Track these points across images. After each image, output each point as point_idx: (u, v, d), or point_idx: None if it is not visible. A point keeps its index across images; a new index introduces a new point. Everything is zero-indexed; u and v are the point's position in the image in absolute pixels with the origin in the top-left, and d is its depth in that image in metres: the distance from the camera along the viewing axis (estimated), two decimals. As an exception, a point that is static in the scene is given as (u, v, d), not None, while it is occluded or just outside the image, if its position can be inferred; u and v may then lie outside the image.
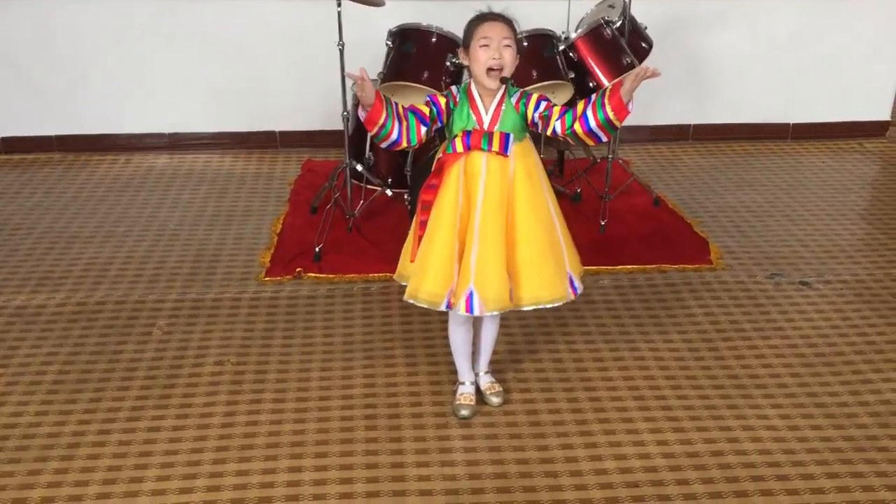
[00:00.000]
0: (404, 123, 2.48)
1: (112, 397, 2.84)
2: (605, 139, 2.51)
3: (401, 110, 2.48)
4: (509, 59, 2.44)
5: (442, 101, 2.52)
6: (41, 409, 2.77)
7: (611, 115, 2.42)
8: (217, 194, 4.51)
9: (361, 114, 2.46)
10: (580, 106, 2.46)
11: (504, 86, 2.48)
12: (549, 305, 2.62)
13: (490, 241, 2.52)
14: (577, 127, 2.45)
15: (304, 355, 3.08)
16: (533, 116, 2.50)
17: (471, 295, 2.52)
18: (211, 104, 5.06)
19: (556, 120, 2.47)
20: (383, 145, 2.53)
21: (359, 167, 4.06)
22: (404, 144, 2.51)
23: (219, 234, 4.05)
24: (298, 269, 3.65)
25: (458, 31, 2.60)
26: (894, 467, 2.54)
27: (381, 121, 2.45)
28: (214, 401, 2.82)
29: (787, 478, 2.50)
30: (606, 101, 2.42)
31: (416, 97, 3.68)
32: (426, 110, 2.51)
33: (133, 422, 2.72)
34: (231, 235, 4.03)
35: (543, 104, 2.50)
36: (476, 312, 2.55)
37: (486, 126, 2.49)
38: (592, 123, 2.45)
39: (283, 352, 3.10)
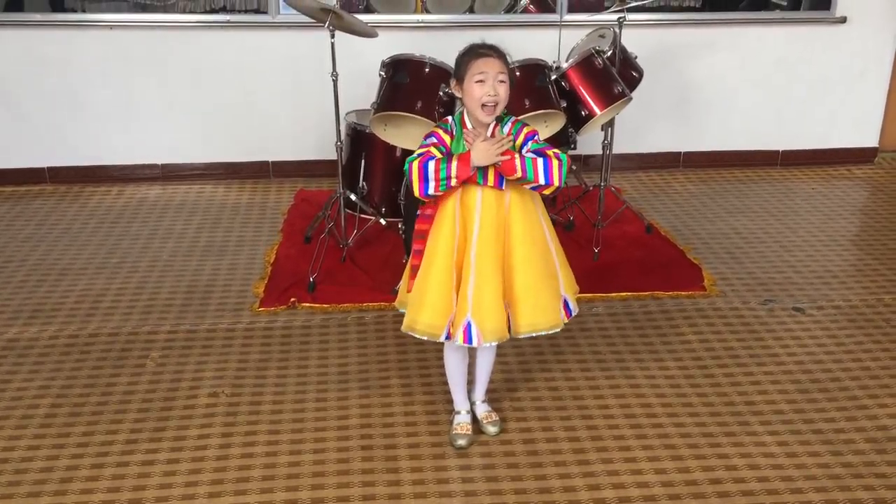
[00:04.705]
0: None
1: (105, 430, 2.81)
2: (542, 183, 2.46)
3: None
4: (504, 95, 2.45)
5: (446, 137, 2.52)
6: (33, 443, 2.74)
7: (508, 177, 2.46)
8: (210, 225, 4.50)
9: (463, 169, 2.42)
10: None
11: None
12: (545, 332, 2.62)
13: (487, 272, 2.52)
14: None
15: (299, 386, 3.06)
16: (520, 150, 2.50)
17: (468, 326, 2.53)
18: (203, 134, 5.07)
19: None
20: (439, 191, 2.46)
21: (352, 196, 4.07)
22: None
23: (212, 264, 4.04)
24: (293, 299, 3.64)
25: (451, 62, 2.61)
26: (893, 494, 2.54)
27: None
28: (209, 432, 2.80)
29: (786, 505, 2.49)
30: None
31: (410, 127, 3.71)
32: (439, 154, 2.48)
33: (127, 455, 2.69)
34: (224, 266, 4.02)
35: (528, 145, 2.49)
36: (474, 343, 2.55)
37: None
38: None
39: (278, 382, 3.08)
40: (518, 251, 2.55)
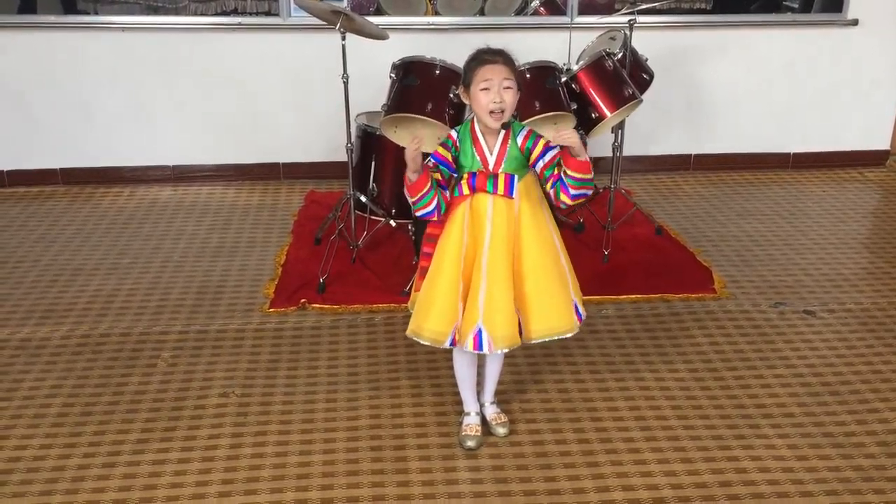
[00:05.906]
0: (440, 197, 2.50)
1: (117, 430, 2.83)
2: (589, 192, 2.51)
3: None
4: (510, 101, 2.44)
5: (447, 154, 2.52)
6: (45, 442, 2.76)
7: (579, 175, 2.44)
8: (221, 226, 4.52)
9: (410, 179, 2.45)
10: (555, 184, 2.50)
11: (507, 123, 2.50)
12: (560, 336, 2.61)
13: (498, 279, 2.52)
14: (564, 198, 2.49)
15: (309, 387, 3.07)
16: (536, 162, 2.50)
17: (479, 332, 2.53)
18: (214, 136, 5.09)
19: (550, 188, 2.51)
20: (419, 213, 2.50)
21: (362, 198, 4.08)
22: (436, 217, 2.54)
23: (223, 265, 4.06)
24: (302, 301, 3.66)
25: (462, 64, 2.61)
26: (904, 497, 2.53)
27: (424, 190, 2.45)
28: (219, 433, 2.81)
29: (796, 508, 2.49)
30: (568, 170, 2.44)
31: (420, 129, 3.71)
32: (439, 176, 2.50)
33: (138, 454, 2.70)
34: (235, 267, 4.04)
35: (549, 155, 2.48)
36: (485, 350, 2.55)
37: (491, 167, 2.50)
38: (572, 191, 2.47)
39: (288, 383, 3.09)
40: (528, 257, 2.55)
